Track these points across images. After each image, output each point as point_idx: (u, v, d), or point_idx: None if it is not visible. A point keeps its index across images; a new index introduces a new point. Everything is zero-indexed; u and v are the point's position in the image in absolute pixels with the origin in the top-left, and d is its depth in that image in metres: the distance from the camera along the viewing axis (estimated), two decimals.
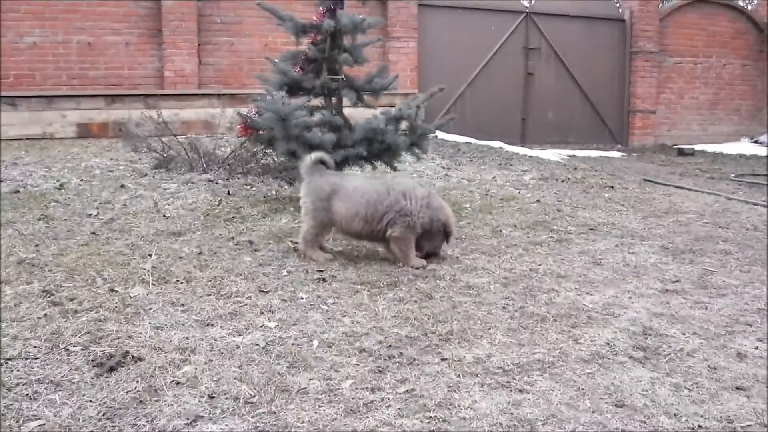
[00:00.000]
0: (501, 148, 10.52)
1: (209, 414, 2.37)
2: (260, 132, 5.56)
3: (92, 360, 2.71)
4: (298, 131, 5.23)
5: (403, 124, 5.70)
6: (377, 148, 5.57)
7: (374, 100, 6.00)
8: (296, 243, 4.49)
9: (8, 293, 3.41)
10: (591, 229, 5.38)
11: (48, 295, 3.40)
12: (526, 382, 2.67)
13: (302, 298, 3.54)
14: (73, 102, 9.74)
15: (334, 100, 5.81)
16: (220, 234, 4.79)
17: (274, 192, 6.20)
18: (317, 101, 5.84)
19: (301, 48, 5.79)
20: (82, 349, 2.80)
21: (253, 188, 6.35)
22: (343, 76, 5.73)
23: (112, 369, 2.65)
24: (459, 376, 2.71)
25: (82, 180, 6.44)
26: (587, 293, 3.80)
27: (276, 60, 5.73)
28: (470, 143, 10.75)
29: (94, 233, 4.70)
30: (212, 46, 11.24)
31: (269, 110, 5.19)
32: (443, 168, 8.16)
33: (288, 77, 5.58)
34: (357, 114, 6.28)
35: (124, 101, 9.78)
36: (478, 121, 12.83)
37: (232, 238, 4.69)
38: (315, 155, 4.41)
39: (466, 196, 6.50)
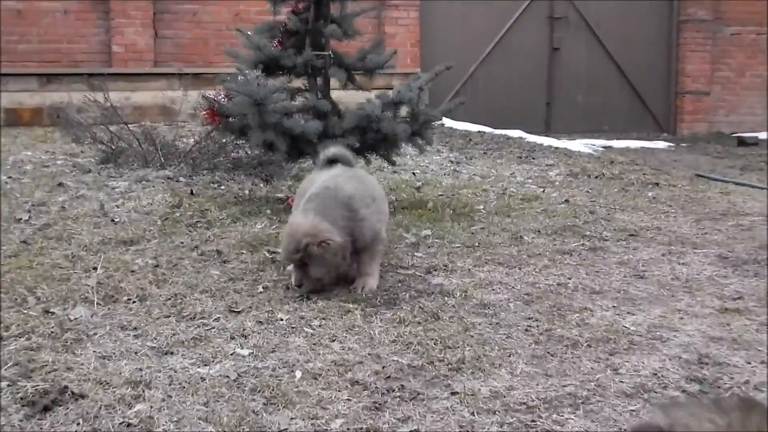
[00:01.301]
0: (521, 138, 10.55)
1: None
2: (230, 119, 5.57)
3: (22, 398, 2.69)
4: (277, 118, 5.23)
5: (403, 110, 5.71)
6: (372, 139, 5.57)
7: (368, 80, 6.01)
8: (274, 252, 4.47)
9: None
10: (631, 235, 5.39)
11: None
12: (555, 421, 2.67)
13: (281, 320, 3.53)
14: None
15: (319, 80, 5.82)
16: (182, 242, 4.79)
17: (247, 191, 6.19)
18: (299, 82, 5.85)
19: (280, 18, 5.79)
20: (8, 385, 2.78)
21: (222, 187, 6.35)
22: (330, 52, 5.73)
23: (46, 409, 2.62)
24: (473, 413, 2.70)
25: (10, 177, 6.43)
26: (628, 313, 3.80)
27: (249, 32, 5.73)
28: (484, 132, 10.78)
29: (24, 242, 4.69)
30: (171, 16, 11.24)
31: (241, 93, 5.19)
32: (451, 162, 8.17)
33: (264, 53, 5.57)
34: (347, 97, 6.28)
35: (62, 81, 9.77)
36: (493, 106, 12.85)
37: (196, 247, 4.69)
38: (330, 151, 4.43)
39: (480, 196, 6.51)
